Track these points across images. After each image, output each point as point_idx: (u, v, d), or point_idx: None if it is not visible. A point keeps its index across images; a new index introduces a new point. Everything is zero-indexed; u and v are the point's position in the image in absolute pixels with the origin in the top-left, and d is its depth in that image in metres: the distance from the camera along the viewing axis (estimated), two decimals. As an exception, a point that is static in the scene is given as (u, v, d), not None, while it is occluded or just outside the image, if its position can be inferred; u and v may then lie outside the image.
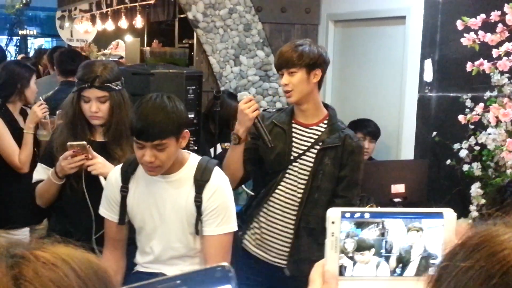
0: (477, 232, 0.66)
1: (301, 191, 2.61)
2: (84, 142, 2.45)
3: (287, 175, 2.64)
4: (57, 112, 3.34)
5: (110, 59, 7.28)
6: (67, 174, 2.51)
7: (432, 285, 0.66)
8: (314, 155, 2.61)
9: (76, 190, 2.54)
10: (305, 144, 2.63)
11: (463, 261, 0.63)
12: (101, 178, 2.50)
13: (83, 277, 0.69)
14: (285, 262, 2.65)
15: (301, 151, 2.63)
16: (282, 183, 2.65)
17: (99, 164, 2.47)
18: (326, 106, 2.73)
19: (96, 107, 2.53)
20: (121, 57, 7.97)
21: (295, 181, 2.63)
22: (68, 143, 2.46)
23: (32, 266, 0.67)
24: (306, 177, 2.61)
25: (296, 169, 2.63)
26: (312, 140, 2.63)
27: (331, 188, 2.60)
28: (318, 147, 2.61)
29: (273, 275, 2.68)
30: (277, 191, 2.66)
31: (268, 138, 2.55)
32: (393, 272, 0.83)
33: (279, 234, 2.66)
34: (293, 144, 2.65)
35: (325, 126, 2.65)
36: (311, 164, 2.60)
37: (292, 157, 2.63)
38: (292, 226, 2.63)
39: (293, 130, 2.67)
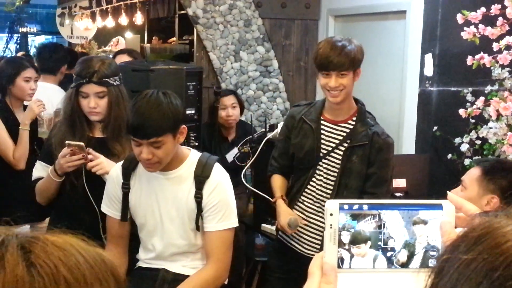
0: (478, 224, 0.65)
1: (331, 187, 2.64)
2: (82, 143, 2.44)
3: (317, 171, 2.66)
4: (55, 109, 3.33)
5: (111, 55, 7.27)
6: (66, 172, 2.51)
7: (433, 278, 0.66)
8: (342, 153, 2.61)
9: (76, 187, 2.54)
10: (334, 142, 2.63)
11: (465, 254, 0.62)
12: (104, 177, 2.50)
13: (91, 262, 0.70)
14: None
15: (330, 148, 2.64)
16: (314, 179, 2.68)
17: (103, 163, 2.46)
18: (356, 100, 2.72)
19: (94, 102, 2.52)
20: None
21: (325, 178, 2.65)
22: (67, 142, 2.45)
23: (42, 245, 0.68)
24: (335, 174, 2.62)
25: (325, 166, 2.65)
26: (341, 138, 2.63)
27: (359, 185, 2.61)
28: (346, 144, 2.61)
29: (308, 266, 2.71)
30: (309, 187, 2.70)
31: None
32: (390, 265, 0.82)
33: (313, 228, 2.71)
34: (322, 141, 2.66)
35: (354, 123, 2.65)
36: (339, 162, 2.62)
37: (321, 154, 2.64)
38: (323, 220, 2.65)
39: (322, 127, 2.68)
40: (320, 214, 2.67)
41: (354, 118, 2.66)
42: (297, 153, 2.70)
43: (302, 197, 2.72)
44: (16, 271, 0.65)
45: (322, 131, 2.67)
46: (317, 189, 2.67)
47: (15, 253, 0.67)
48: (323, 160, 2.64)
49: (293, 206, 2.75)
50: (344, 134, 2.63)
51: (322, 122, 2.68)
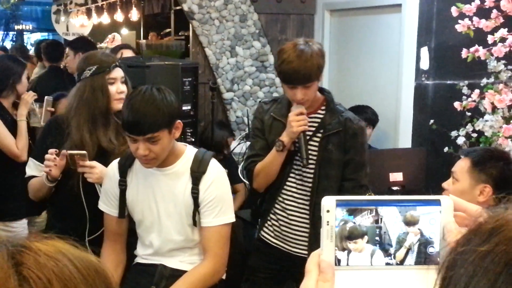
0: (490, 217, 0.64)
1: (310, 180, 2.61)
2: (85, 152, 2.43)
3: (294, 166, 2.63)
4: (46, 98, 3.50)
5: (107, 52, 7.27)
6: (56, 179, 2.49)
7: (444, 273, 0.65)
8: (317, 143, 2.60)
9: (73, 188, 2.52)
10: (307, 134, 2.59)
11: (480, 246, 0.61)
12: (97, 186, 2.49)
13: (83, 272, 0.69)
14: (305, 252, 2.63)
15: None
16: (292, 175, 2.65)
17: (96, 174, 2.45)
18: (321, 90, 2.68)
19: (122, 86, 2.59)
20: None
21: (304, 171, 2.62)
22: (68, 152, 2.44)
23: (33, 255, 0.66)
24: (313, 166, 2.60)
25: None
26: (313, 128, 2.61)
27: (339, 174, 2.60)
28: (320, 134, 2.60)
29: (296, 265, 2.65)
30: (287, 183, 2.66)
31: (306, 156, 2.53)
32: (389, 260, 0.82)
33: (296, 225, 2.66)
34: None
35: (323, 112, 2.63)
36: (315, 153, 2.60)
37: (296, 148, 2.62)
38: (307, 216, 2.63)
39: None
40: (302, 211, 2.64)
41: (323, 108, 2.64)
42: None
43: (282, 195, 2.67)
44: (7, 285, 0.63)
45: None
46: (297, 183, 2.64)
47: (5, 265, 0.64)
48: (299, 154, 2.61)
49: (273, 205, 2.70)
50: (316, 124, 2.61)
51: None
